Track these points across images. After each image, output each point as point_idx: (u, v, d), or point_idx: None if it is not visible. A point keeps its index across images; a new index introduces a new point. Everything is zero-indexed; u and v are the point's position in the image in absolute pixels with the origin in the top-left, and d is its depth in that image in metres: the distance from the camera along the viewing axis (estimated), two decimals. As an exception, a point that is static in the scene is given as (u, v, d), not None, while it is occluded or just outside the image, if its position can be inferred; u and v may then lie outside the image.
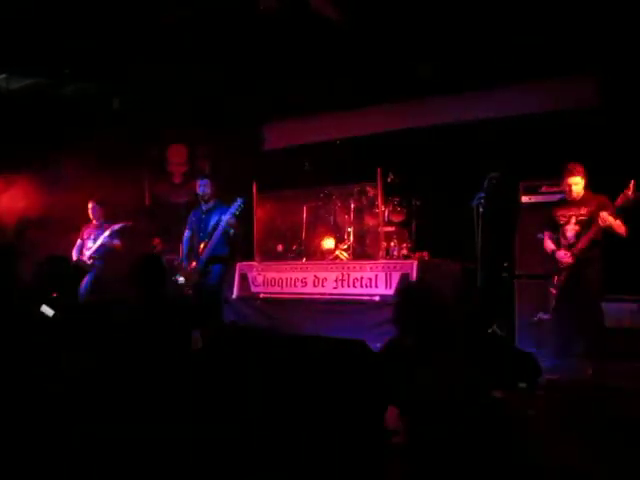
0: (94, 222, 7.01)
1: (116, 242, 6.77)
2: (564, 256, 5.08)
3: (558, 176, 5.31)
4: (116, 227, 6.75)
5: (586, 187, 5.11)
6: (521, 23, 5.80)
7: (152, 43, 6.54)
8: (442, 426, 2.29)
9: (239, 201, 5.96)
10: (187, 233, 6.34)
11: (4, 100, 7.48)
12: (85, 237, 6.97)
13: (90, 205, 7.01)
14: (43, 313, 2.63)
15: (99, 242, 6.73)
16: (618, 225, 4.84)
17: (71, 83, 7.77)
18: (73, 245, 7.01)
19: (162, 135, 8.93)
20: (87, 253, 6.76)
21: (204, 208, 6.25)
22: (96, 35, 6.34)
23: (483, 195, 5.04)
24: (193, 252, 6.13)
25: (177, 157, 9.25)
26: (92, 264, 6.69)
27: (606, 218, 4.80)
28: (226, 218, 5.92)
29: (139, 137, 8.65)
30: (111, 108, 8.21)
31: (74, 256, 6.90)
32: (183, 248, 6.31)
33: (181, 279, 5.78)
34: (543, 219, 5.42)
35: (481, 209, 4.99)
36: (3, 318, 2.40)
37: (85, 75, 7.55)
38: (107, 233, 6.70)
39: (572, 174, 5.05)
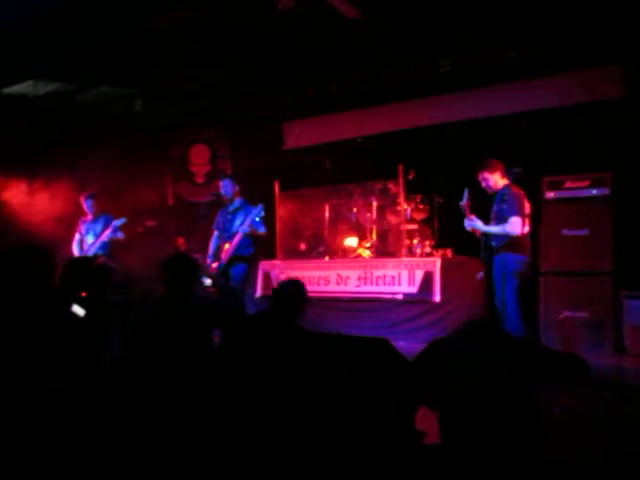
0: (90, 216, 6.93)
1: (119, 235, 6.67)
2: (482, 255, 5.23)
3: (582, 171, 5.26)
4: (117, 222, 6.61)
5: (507, 181, 5.20)
6: (542, 16, 5.75)
7: (171, 44, 6.59)
8: (477, 423, 2.30)
9: (259, 208, 5.91)
10: (215, 233, 6.32)
11: (32, 105, 7.62)
12: (83, 232, 6.91)
13: (84, 201, 6.90)
14: (74, 313, 2.70)
15: (102, 238, 6.62)
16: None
17: (94, 87, 7.89)
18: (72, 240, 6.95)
19: (184, 135, 9.01)
20: (91, 249, 6.65)
21: (230, 208, 6.21)
22: (117, 38, 6.41)
23: (504, 191, 5.00)
24: (219, 252, 6.13)
25: (199, 157, 9.33)
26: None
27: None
28: (245, 228, 5.86)
29: (161, 138, 8.75)
30: (133, 110, 8.32)
31: (75, 251, 6.85)
32: (211, 247, 6.30)
33: (208, 281, 5.78)
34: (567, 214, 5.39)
35: (503, 205, 4.95)
36: (38, 319, 2.47)
37: (107, 79, 7.65)
38: (110, 229, 6.59)
39: (479, 169, 5.21)
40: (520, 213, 4.98)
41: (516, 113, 6.78)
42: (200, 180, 9.24)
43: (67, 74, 7.41)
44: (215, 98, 8.03)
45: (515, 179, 5.11)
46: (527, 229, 5.14)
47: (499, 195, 5.13)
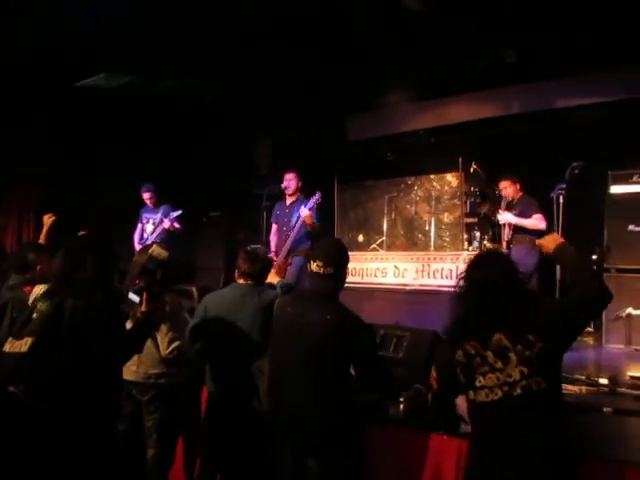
0: (150, 206, 7.07)
1: (177, 226, 6.76)
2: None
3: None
4: (174, 214, 6.72)
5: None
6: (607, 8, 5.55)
7: (240, 38, 6.69)
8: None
9: (317, 195, 5.92)
10: (274, 227, 6.40)
11: (105, 98, 7.90)
12: (144, 221, 7.09)
13: (143, 191, 7.02)
14: (131, 300, 2.84)
15: (162, 227, 6.74)
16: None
17: (166, 79, 8.08)
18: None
19: (249, 128, 9.15)
20: (150, 238, 6.76)
21: (287, 202, 6.30)
22: (190, 33, 6.55)
23: (564, 186, 4.89)
24: (279, 246, 6.17)
25: (263, 150, 9.48)
26: None
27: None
28: (304, 213, 5.88)
29: (229, 130, 8.91)
30: (203, 103, 8.47)
31: (136, 240, 7.02)
32: (272, 242, 6.36)
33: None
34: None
35: (561, 200, 4.85)
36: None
37: (180, 71, 7.82)
38: (168, 219, 6.70)
39: (502, 178, 5.98)
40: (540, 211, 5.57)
41: (581, 106, 6.59)
42: (262, 172, 9.38)
43: (139, 67, 7.61)
44: (280, 91, 8.11)
45: (575, 173, 4.98)
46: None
47: (516, 203, 5.84)
